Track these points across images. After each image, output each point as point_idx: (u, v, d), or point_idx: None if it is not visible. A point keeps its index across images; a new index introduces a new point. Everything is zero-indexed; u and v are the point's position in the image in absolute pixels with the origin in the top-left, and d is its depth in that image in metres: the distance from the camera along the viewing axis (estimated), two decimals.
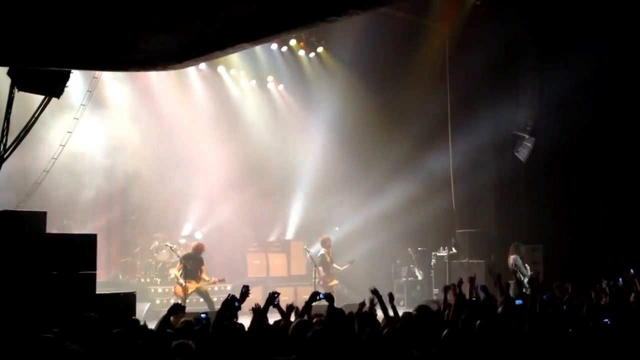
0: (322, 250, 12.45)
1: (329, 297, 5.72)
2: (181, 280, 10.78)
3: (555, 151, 13.26)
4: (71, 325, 5.56)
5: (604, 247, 12.72)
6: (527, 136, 13.69)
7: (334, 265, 12.46)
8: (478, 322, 4.75)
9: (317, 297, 5.78)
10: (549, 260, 12.86)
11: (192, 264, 11.03)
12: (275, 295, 5.41)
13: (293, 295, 12.79)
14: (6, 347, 4.85)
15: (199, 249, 11.24)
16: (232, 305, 5.08)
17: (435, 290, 13.40)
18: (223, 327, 4.83)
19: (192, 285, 10.88)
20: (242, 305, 5.16)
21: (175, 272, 11.17)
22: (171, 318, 6.18)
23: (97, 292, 7.90)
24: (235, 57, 14.37)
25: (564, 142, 13.08)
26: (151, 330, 5.46)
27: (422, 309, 5.72)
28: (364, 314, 5.54)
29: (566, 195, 13.33)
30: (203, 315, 5.48)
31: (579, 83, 12.61)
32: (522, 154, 13.74)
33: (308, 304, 5.68)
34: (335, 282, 12.31)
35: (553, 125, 13.28)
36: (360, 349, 4.30)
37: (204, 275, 11.05)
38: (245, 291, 5.49)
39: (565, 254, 12.68)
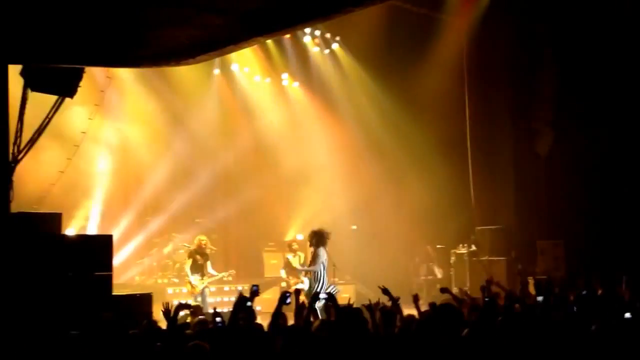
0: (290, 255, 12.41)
1: (331, 297, 5.60)
2: (190, 278, 10.77)
3: (575, 145, 13.03)
4: (88, 326, 5.50)
5: (627, 241, 12.44)
6: (546, 130, 13.47)
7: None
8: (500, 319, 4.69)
9: (318, 298, 5.67)
10: (571, 255, 12.62)
11: (202, 259, 11.01)
12: (287, 294, 5.32)
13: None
14: (23, 348, 4.79)
15: (202, 246, 11.13)
16: (243, 304, 5.03)
17: (455, 290, 13.20)
18: (238, 328, 4.74)
19: (202, 282, 10.86)
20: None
21: (186, 267, 11.04)
22: (189, 319, 6.09)
23: (113, 294, 7.86)
24: (249, 55, 14.30)
25: (583, 136, 12.85)
26: (164, 330, 5.37)
27: (444, 308, 5.56)
28: (384, 312, 5.39)
29: (587, 189, 13.06)
30: (219, 319, 5.36)
31: (598, 75, 12.38)
32: (542, 148, 13.52)
33: (311, 305, 5.55)
34: (296, 282, 12.15)
35: (573, 119, 13.06)
36: (382, 346, 4.16)
37: (209, 271, 11.02)
38: (255, 290, 5.44)
39: (588, 249, 12.43)
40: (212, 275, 11.00)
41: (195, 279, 10.85)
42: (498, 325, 4.66)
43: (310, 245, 10.14)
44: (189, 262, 10.97)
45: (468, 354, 4.04)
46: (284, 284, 12.06)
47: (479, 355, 4.05)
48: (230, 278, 11.32)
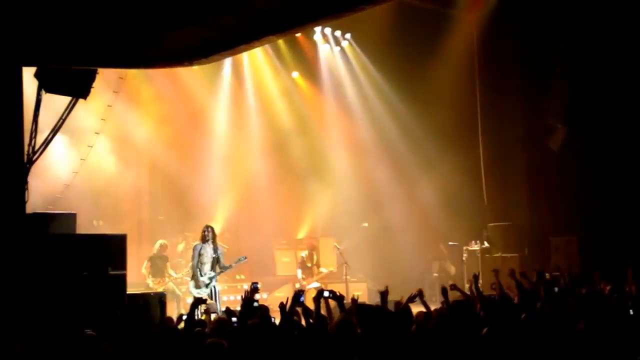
0: (304, 253, 12.53)
1: (334, 294, 5.64)
2: (148, 280, 11.11)
3: (589, 140, 12.91)
4: (103, 325, 5.55)
5: None
6: (559, 125, 13.36)
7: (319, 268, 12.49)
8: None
9: (323, 295, 5.68)
10: (585, 252, 12.53)
11: (160, 262, 11.40)
12: (301, 293, 5.34)
13: None
14: (38, 348, 4.83)
15: (163, 249, 11.55)
16: (250, 304, 5.10)
17: (467, 286, 13.16)
18: (248, 327, 4.78)
19: (160, 284, 11.18)
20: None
21: (143, 271, 11.37)
22: (204, 316, 6.13)
23: (127, 292, 7.93)
24: (260, 53, 14.32)
25: (598, 130, 12.73)
26: (180, 329, 5.41)
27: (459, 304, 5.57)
28: (400, 311, 5.41)
29: (602, 184, 12.94)
30: (234, 319, 5.36)
31: (612, 69, 12.26)
32: (555, 143, 13.41)
33: (317, 302, 5.55)
34: (310, 282, 12.18)
35: (586, 114, 12.94)
36: (401, 344, 4.15)
37: (169, 272, 11.39)
38: (255, 287, 5.54)
39: (602, 246, 12.32)
40: (172, 277, 11.38)
41: (153, 281, 11.22)
42: (521, 324, 4.63)
43: (205, 241, 9.85)
44: (147, 264, 11.34)
45: (491, 353, 4.01)
46: (298, 285, 12.11)
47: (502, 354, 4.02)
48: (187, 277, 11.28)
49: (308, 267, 12.34)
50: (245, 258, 10.26)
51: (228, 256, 12.12)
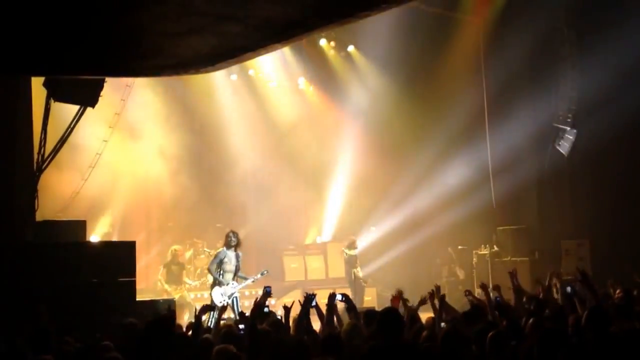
0: (354, 252, 12.53)
1: (347, 298, 5.64)
2: (167, 287, 11.11)
3: (599, 142, 12.82)
4: (113, 332, 5.58)
5: None
6: (568, 128, 13.29)
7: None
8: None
9: (335, 299, 5.68)
10: (596, 256, 12.43)
11: (176, 269, 11.39)
12: (312, 296, 5.33)
13: None
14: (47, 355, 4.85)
15: (177, 255, 11.57)
16: (261, 310, 5.11)
17: (478, 290, 13.10)
18: (258, 332, 4.78)
19: (177, 291, 11.20)
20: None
21: (159, 278, 11.37)
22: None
23: (137, 299, 7.96)
24: (266, 60, 14.36)
25: (607, 133, 12.63)
26: (189, 335, 5.43)
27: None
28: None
29: (612, 187, 12.84)
30: (242, 326, 5.40)
31: (621, 71, 12.18)
32: (564, 147, 13.33)
33: (330, 306, 5.54)
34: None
35: (595, 116, 12.86)
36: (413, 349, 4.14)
37: (185, 279, 11.40)
38: (268, 291, 5.57)
39: (614, 249, 12.21)
40: (188, 284, 11.45)
41: (172, 288, 11.22)
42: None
43: (229, 247, 9.46)
44: (163, 272, 11.35)
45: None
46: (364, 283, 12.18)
47: None
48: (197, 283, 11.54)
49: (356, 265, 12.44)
50: (267, 272, 9.86)
51: None
